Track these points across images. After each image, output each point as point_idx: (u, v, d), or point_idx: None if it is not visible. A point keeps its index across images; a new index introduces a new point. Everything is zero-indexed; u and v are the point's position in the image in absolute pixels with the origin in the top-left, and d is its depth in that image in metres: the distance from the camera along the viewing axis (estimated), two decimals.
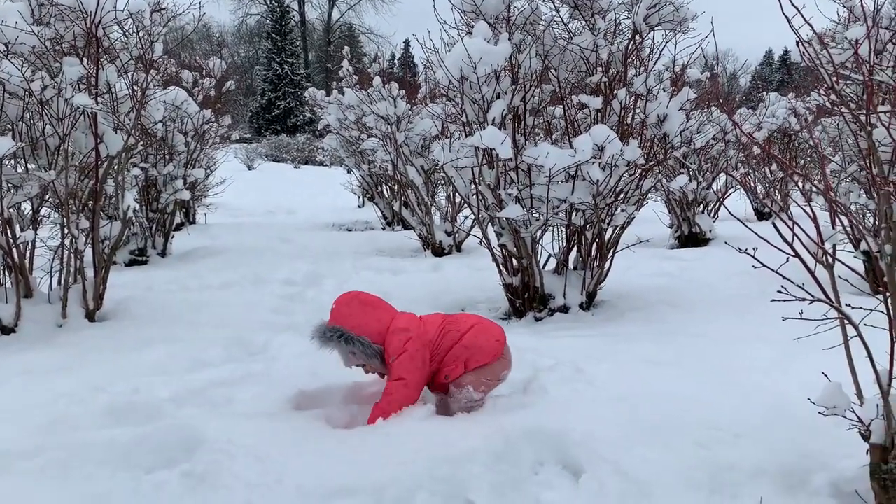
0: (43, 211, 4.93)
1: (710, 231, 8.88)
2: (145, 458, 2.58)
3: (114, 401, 3.16)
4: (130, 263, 7.49)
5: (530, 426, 2.71)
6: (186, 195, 7.85)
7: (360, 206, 15.28)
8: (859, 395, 2.41)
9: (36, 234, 4.77)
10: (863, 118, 2.33)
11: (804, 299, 2.23)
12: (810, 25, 2.42)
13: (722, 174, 9.42)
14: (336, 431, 2.83)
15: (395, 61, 42.58)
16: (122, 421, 2.96)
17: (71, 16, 4.46)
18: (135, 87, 4.90)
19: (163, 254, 7.90)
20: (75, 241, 4.76)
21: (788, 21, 2.28)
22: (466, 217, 8.77)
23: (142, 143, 6.73)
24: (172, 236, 8.13)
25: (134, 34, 4.84)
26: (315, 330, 3.12)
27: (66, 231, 4.74)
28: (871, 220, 5.40)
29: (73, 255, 4.82)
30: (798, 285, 2.22)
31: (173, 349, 4.02)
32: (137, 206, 7.49)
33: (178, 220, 9.39)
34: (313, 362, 3.58)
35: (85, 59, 4.54)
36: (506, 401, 3.05)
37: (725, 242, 2.46)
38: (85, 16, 4.43)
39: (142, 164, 7.34)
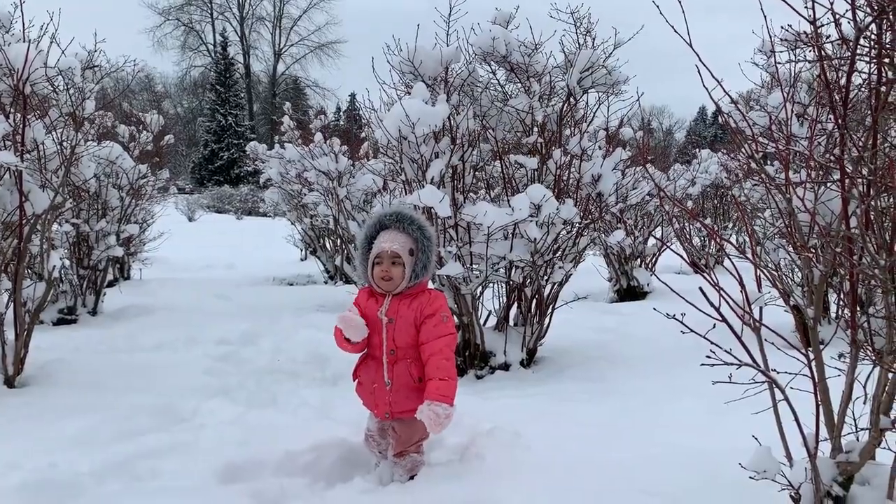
0: None
1: (648, 284, 9.05)
2: None
3: (28, 478, 2.97)
4: (59, 322, 7.17)
5: (466, 497, 2.65)
6: (119, 252, 7.61)
7: (302, 259, 15.08)
8: (789, 457, 2.44)
9: None
10: (782, 186, 2.41)
11: (732, 364, 2.26)
12: (731, 98, 2.50)
13: (658, 229, 9.66)
14: None
15: (341, 113, 42.93)
16: (36, 500, 2.79)
17: None
18: (64, 144, 4.76)
19: (93, 312, 7.60)
20: None
21: (709, 93, 2.35)
22: None
23: (71, 200, 6.52)
24: (104, 294, 7.84)
25: (64, 91, 4.72)
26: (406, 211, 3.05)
27: None
28: (799, 275, 5.57)
29: None
30: (726, 350, 2.25)
31: (97, 418, 3.82)
32: (67, 264, 7.24)
33: (111, 276, 9.09)
34: (243, 430, 3.46)
35: (11, 116, 4.41)
36: (442, 469, 2.99)
37: (654, 309, 2.48)
38: (12, 72, 4.32)
39: (73, 220, 7.12)
